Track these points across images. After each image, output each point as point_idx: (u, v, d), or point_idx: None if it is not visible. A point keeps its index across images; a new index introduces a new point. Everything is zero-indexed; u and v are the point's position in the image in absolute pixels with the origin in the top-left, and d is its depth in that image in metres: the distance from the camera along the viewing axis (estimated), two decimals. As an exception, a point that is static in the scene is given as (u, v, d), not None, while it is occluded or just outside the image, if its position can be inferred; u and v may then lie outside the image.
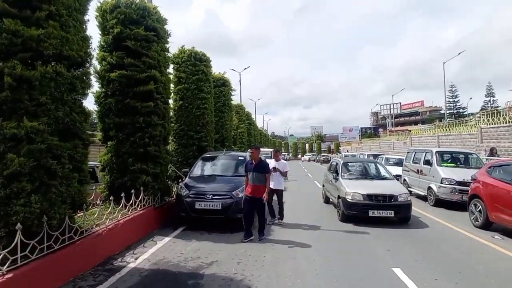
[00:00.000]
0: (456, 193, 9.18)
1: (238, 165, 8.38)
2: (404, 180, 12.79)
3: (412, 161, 12.20)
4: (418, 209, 9.50)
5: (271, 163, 7.38)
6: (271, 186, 7.01)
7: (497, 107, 63.62)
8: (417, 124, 72.76)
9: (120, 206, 5.71)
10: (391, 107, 70.46)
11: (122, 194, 5.83)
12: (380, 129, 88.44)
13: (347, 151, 47.86)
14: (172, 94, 11.04)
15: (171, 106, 10.92)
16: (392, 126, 65.11)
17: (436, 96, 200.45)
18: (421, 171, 11.12)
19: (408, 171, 12.46)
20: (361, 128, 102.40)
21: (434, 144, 19.59)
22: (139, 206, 6.25)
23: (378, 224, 7.30)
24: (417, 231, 6.95)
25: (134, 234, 5.83)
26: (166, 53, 7.77)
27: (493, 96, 64.00)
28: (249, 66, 27.57)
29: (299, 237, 6.41)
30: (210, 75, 11.87)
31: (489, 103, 63.23)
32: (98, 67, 6.81)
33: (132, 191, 6.17)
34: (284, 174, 7.98)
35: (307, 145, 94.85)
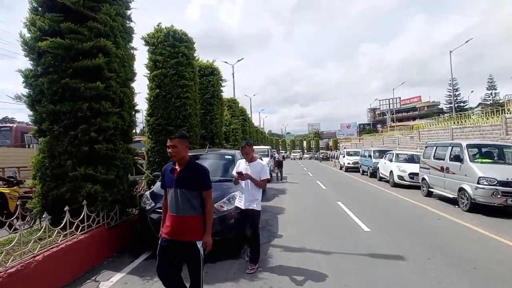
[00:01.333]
0: (499, 196, 7.38)
1: (225, 167, 6.54)
2: (423, 179, 10.99)
3: (433, 156, 10.39)
4: (450, 216, 7.69)
5: (240, 165, 4.68)
6: (240, 205, 4.54)
7: (500, 99, 62.39)
8: (415, 120, 71.31)
9: (42, 231, 3.84)
10: (391, 101, 68.78)
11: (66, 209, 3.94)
12: (378, 125, 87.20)
13: (344, 147, 46.09)
14: (148, 82, 9.17)
15: (147, 96, 9.11)
16: (394, 122, 63.46)
17: (433, 91, 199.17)
18: (447, 168, 9.31)
19: (428, 168, 10.65)
20: (359, 124, 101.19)
21: (447, 138, 17.81)
22: (80, 229, 4.37)
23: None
24: (474, 254, 5.11)
25: (65, 272, 3.95)
26: (126, 21, 5.88)
27: (495, 89, 62.59)
28: (242, 58, 25.69)
29: (310, 274, 4.32)
30: (194, 59, 9.97)
31: (491, 96, 61.73)
32: (27, 35, 4.92)
33: (73, 206, 4.33)
34: (260, 184, 4.48)
35: (304, 142, 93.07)
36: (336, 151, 60.07)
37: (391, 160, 14.67)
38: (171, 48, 9.03)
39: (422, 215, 8.01)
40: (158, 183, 5.69)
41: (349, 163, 23.40)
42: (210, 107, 12.92)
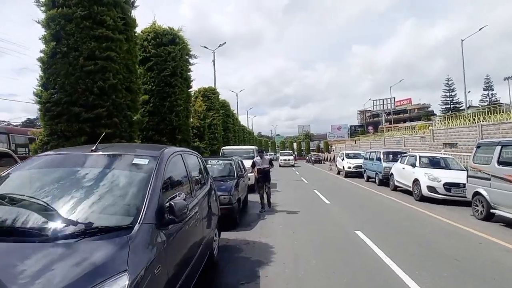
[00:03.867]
0: None
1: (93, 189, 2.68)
2: (477, 194, 7.49)
3: (498, 161, 6.89)
4: None
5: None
6: None
7: (497, 100, 60.41)
8: (405, 122, 69.14)
9: None
10: (386, 102, 66.19)
11: None
12: (370, 127, 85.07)
13: (340, 149, 42.86)
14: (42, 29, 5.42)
15: (41, 54, 5.33)
16: (391, 122, 60.73)
17: (422, 94, 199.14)
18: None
19: (487, 178, 7.14)
20: (351, 126, 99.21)
21: (473, 137, 14.47)
22: None
23: None
24: None
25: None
26: None
27: (492, 90, 60.41)
28: (225, 43, 22.02)
29: None
30: (129, 4, 6.23)
31: (488, 97, 59.62)
32: None
33: None
34: None
35: (295, 144, 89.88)
36: (329, 153, 56.92)
37: (413, 165, 11.16)
38: (81, -26, 5.29)
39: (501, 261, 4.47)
40: None
41: (349, 167, 19.86)
42: (170, 89, 9.18)
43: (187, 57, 10.23)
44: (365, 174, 17.45)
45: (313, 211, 8.68)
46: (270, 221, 7.42)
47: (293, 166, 33.81)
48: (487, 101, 59.84)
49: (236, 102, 39.21)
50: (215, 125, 16.53)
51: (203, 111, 13.52)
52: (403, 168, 12.00)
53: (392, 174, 13.23)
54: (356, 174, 19.18)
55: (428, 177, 9.98)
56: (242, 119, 44.11)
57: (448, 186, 9.47)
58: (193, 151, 4.42)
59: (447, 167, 11.01)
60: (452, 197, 9.39)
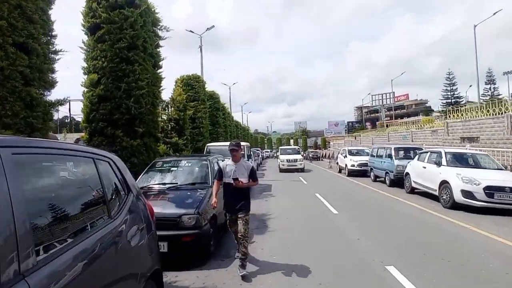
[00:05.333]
0: None
1: None
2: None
3: None
4: None
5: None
6: None
7: (499, 94, 58.60)
8: (403, 118, 67.36)
9: None
10: (387, 96, 64.36)
11: None
12: (367, 123, 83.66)
13: (338, 146, 40.85)
14: None
15: None
16: (392, 118, 58.84)
17: (419, 90, 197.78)
18: None
19: None
20: (348, 122, 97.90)
21: (500, 130, 12.38)
22: None
23: None
24: None
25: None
26: None
27: (494, 83, 58.54)
28: (213, 26, 19.71)
29: None
30: None
31: (490, 91, 57.80)
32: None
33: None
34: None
35: (291, 141, 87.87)
36: (327, 150, 54.90)
37: (438, 164, 9.04)
38: None
39: None
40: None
41: (353, 165, 17.72)
42: (127, 66, 6.96)
43: (154, 28, 8.01)
44: (371, 173, 15.33)
45: (318, 228, 6.50)
46: (259, 247, 5.25)
47: (302, 170, 21.11)
48: (488, 95, 57.95)
49: (229, 96, 36.92)
50: (200, 118, 14.28)
51: (182, 101, 11.27)
52: (424, 167, 9.88)
53: (407, 174, 11.12)
54: (360, 172, 17.09)
55: (462, 179, 7.85)
56: (237, 117, 41.82)
57: (490, 190, 7.37)
58: (91, 152, 2.18)
59: (480, 166, 8.92)
60: (495, 205, 7.31)
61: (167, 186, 5.18)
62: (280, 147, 27.95)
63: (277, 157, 29.23)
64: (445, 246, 5.21)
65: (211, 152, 12.34)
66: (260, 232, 6.15)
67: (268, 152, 54.70)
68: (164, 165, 5.73)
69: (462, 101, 60.66)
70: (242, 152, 12.21)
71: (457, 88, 59.77)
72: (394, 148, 13.30)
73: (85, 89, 6.83)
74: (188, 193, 4.92)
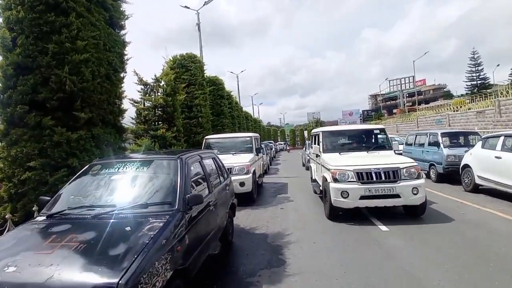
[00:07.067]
0: None
1: None
2: None
3: None
4: None
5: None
6: None
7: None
8: (420, 104, 63.17)
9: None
10: (405, 81, 60.56)
11: None
12: (384, 111, 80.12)
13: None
14: None
15: None
16: (414, 104, 55.00)
17: (436, 76, 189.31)
18: None
19: None
20: (363, 111, 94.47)
21: None
22: None
23: None
24: None
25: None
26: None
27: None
28: (211, 0, 17.15)
29: None
30: None
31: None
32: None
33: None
34: None
35: (305, 132, 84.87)
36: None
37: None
38: None
39: None
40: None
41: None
42: (58, 18, 4.50)
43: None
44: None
45: (369, 267, 3.96)
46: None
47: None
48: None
49: (237, 86, 34.22)
50: (198, 106, 11.82)
51: (170, 82, 8.82)
52: (497, 158, 7.16)
53: (466, 166, 8.41)
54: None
55: None
56: (248, 110, 39.14)
57: None
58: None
59: None
60: None
61: (96, 211, 2.76)
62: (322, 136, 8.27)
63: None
64: None
65: (210, 147, 9.93)
66: (273, 280, 3.67)
67: (281, 144, 52.05)
68: (104, 171, 3.30)
69: (488, 82, 56.07)
70: (249, 145, 9.46)
71: (482, 69, 55.36)
72: (441, 133, 10.50)
73: None
74: (128, 228, 2.47)
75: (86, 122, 4.62)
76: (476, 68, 55.87)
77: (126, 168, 3.28)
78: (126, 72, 5.76)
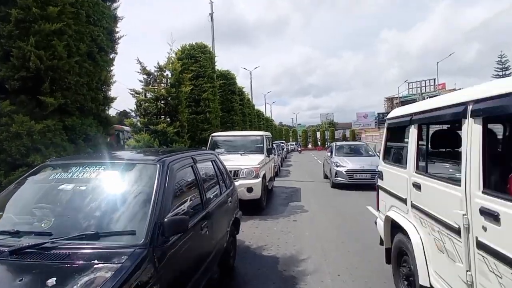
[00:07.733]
0: None
1: None
2: None
3: None
4: None
5: None
6: None
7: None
8: None
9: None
10: (425, 84, 58.37)
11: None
12: (401, 114, 77.87)
13: (372, 138, 36.24)
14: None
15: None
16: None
17: (456, 80, 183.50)
18: None
19: None
20: (378, 113, 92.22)
21: None
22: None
23: None
24: None
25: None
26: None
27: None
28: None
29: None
30: None
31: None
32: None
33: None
34: None
35: (318, 133, 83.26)
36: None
37: None
38: None
39: None
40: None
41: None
42: None
43: None
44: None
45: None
46: None
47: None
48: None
49: (250, 83, 33.14)
50: (207, 100, 10.88)
51: (176, 71, 7.89)
52: None
53: None
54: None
55: None
56: (261, 109, 38.04)
57: None
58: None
59: None
60: None
61: (21, 241, 1.80)
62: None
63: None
64: None
65: (217, 145, 8.97)
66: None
67: (293, 145, 50.84)
68: (52, 176, 2.34)
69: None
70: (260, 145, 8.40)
71: (510, 73, 52.58)
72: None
73: None
74: (50, 281, 1.49)
75: (57, 109, 3.70)
76: (504, 72, 53.20)
77: (84, 173, 2.30)
78: (116, 53, 4.82)
